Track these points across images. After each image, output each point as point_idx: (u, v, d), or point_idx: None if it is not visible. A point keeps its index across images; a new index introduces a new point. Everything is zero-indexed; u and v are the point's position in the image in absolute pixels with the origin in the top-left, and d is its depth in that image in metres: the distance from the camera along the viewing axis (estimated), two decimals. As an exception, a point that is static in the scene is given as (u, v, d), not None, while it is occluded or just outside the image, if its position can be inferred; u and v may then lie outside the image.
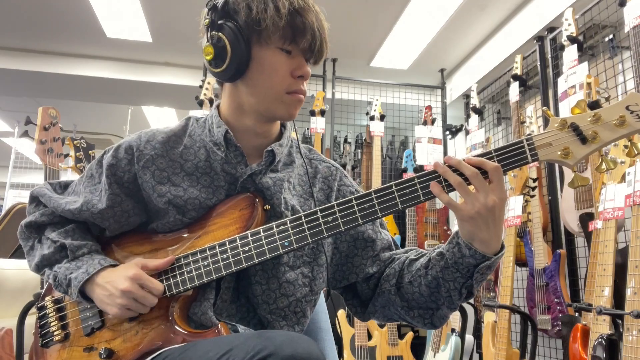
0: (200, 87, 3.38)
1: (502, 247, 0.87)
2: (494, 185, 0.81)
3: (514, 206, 2.41)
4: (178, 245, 0.95)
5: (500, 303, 2.27)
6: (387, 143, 4.18)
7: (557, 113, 2.38)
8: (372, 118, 3.56)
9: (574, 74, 2.24)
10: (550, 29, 2.76)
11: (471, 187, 0.83)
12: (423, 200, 0.85)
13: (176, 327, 0.89)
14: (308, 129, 3.59)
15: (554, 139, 0.83)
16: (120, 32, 3.70)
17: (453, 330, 2.67)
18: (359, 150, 3.95)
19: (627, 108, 0.81)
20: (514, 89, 2.85)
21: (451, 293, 0.90)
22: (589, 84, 2.01)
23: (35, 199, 1.04)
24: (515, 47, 3.22)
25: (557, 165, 2.61)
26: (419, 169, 3.47)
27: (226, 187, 0.96)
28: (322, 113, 3.44)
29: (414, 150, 3.60)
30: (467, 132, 3.32)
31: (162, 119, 5.63)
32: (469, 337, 2.90)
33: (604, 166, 0.89)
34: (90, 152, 2.42)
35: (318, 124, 3.42)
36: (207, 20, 0.92)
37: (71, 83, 4.23)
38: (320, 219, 0.87)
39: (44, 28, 3.65)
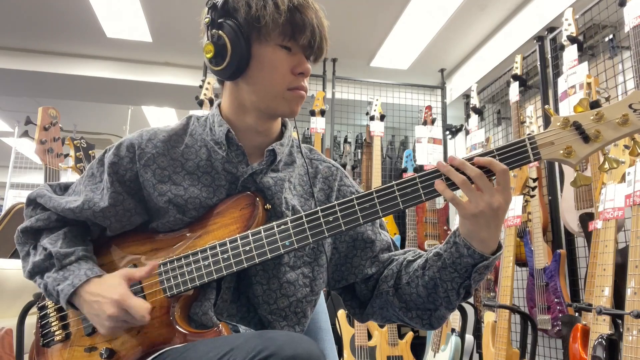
0: (200, 87, 3.38)
1: (500, 246, 0.87)
2: (501, 187, 0.81)
3: (514, 206, 2.41)
4: (178, 245, 0.94)
5: (500, 303, 2.27)
6: (387, 143, 4.18)
7: (557, 113, 2.38)
8: (372, 118, 3.56)
9: (574, 74, 2.24)
10: (550, 29, 2.76)
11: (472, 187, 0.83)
12: (424, 200, 0.85)
13: (177, 327, 0.88)
14: (308, 128, 3.59)
15: (556, 138, 0.82)
16: (120, 32, 3.70)
17: (453, 330, 2.67)
18: (359, 150, 3.95)
19: (630, 106, 0.80)
20: (514, 89, 2.85)
21: (449, 293, 0.90)
22: (589, 84, 2.01)
23: (32, 202, 1.03)
24: (515, 47, 3.22)
25: (557, 165, 2.61)
26: (419, 169, 3.47)
27: (227, 186, 0.96)
28: (322, 113, 3.44)
29: (414, 150, 3.60)
30: (467, 132, 3.32)
31: (162, 119, 5.63)
32: (469, 337, 2.90)
33: (606, 165, 0.89)
34: (90, 152, 2.42)
35: (318, 124, 3.42)
36: (207, 19, 0.92)
37: (71, 83, 4.23)
38: (321, 218, 0.87)
39: (44, 28, 3.65)
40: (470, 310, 2.90)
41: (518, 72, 2.85)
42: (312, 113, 3.44)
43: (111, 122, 5.59)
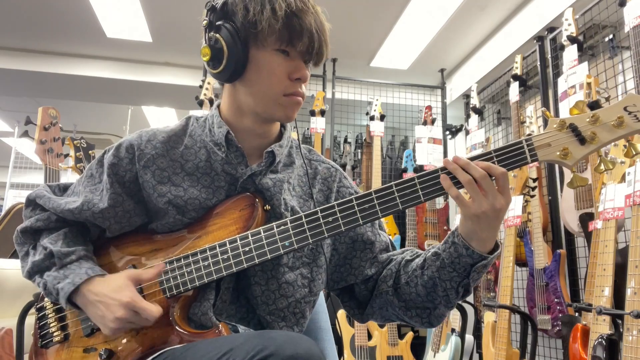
0: (200, 87, 3.38)
1: (497, 246, 0.88)
2: (502, 189, 0.82)
3: (514, 206, 2.41)
4: (178, 246, 0.94)
5: (500, 303, 2.27)
6: (387, 143, 4.18)
7: (557, 113, 2.38)
8: (372, 118, 3.56)
9: (574, 74, 2.24)
10: (550, 29, 2.76)
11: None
12: (423, 201, 0.85)
13: (176, 327, 0.89)
14: (308, 129, 3.59)
15: (553, 140, 0.84)
16: (120, 32, 3.70)
17: (453, 330, 2.67)
18: (359, 150, 3.95)
19: (625, 109, 0.82)
20: (514, 89, 2.85)
21: (448, 292, 0.90)
22: (589, 84, 2.01)
23: (31, 203, 1.02)
24: (515, 47, 3.22)
25: (557, 165, 2.61)
26: (419, 169, 3.47)
27: (226, 187, 0.96)
28: (322, 113, 3.44)
29: (414, 150, 3.60)
30: (467, 132, 3.32)
31: (162, 119, 5.63)
32: (469, 337, 2.90)
33: (602, 167, 0.90)
34: (90, 152, 2.42)
35: (318, 124, 3.42)
36: (205, 22, 0.92)
37: (71, 83, 4.23)
38: (321, 219, 0.87)
39: (44, 28, 3.65)
40: (470, 310, 2.90)
41: (518, 72, 2.85)
42: (312, 113, 3.44)
43: (111, 122, 5.59)
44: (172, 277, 0.91)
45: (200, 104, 3.24)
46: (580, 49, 2.30)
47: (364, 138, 3.95)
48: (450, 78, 4.19)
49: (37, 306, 1.03)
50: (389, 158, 4.06)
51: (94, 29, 3.63)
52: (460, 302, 2.33)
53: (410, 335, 3.00)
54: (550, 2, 2.90)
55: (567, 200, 2.32)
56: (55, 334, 0.98)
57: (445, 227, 3.45)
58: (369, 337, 2.92)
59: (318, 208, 0.88)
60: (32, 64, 4.02)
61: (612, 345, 1.55)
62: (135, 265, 0.96)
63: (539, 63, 2.81)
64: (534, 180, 2.45)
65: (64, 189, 1.05)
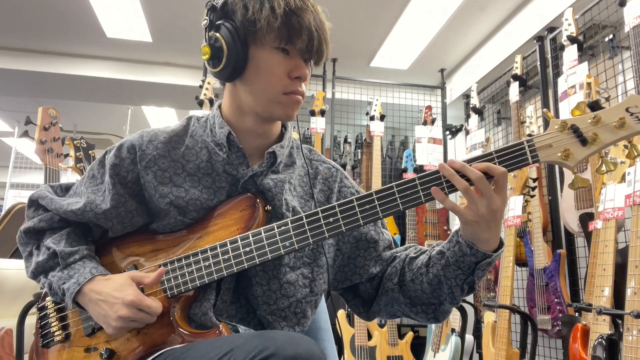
0: (200, 87, 3.38)
1: (501, 244, 0.88)
2: (499, 189, 0.83)
3: (514, 206, 2.41)
4: (179, 246, 0.94)
5: (500, 303, 2.27)
6: (387, 143, 4.18)
7: (557, 113, 2.38)
8: (372, 118, 3.56)
9: (574, 74, 2.24)
10: (550, 29, 2.76)
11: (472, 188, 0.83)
12: (424, 202, 0.85)
13: (177, 327, 0.89)
14: (308, 129, 3.59)
15: (554, 141, 0.84)
16: (120, 32, 3.70)
17: (453, 330, 2.67)
18: (359, 150, 3.96)
19: (627, 110, 0.82)
20: (514, 89, 2.85)
21: (453, 289, 0.91)
22: (589, 84, 2.01)
23: (34, 203, 1.03)
24: (515, 47, 3.22)
25: (557, 166, 2.61)
26: (419, 169, 3.47)
27: (227, 188, 0.96)
28: (322, 113, 3.44)
29: (414, 150, 3.60)
30: (467, 132, 3.32)
31: (162, 119, 5.63)
32: (469, 337, 2.90)
33: (603, 168, 0.90)
34: (90, 152, 2.42)
35: (318, 124, 3.42)
36: (205, 21, 0.92)
37: (71, 83, 4.23)
38: (322, 219, 0.87)
39: (44, 28, 3.65)
40: (470, 310, 2.90)
41: (518, 72, 2.85)
42: (312, 113, 3.44)
43: (111, 122, 5.59)
44: (172, 277, 0.91)
45: (200, 104, 3.24)
46: (580, 49, 2.30)
47: (364, 138, 3.95)
48: (450, 78, 4.19)
49: (39, 306, 1.03)
50: (389, 158, 4.06)
51: (94, 29, 3.63)
52: (460, 303, 2.32)
53: (410, 335, 3.00)
54: (550, 2, 2.90)
55: (567, 200, 2.33)
56: (56, 333, 0.98)
57: (445, 227, 3.45)
58: (369, 337, 2.93)
59: (319, 209, 0.88)
60: (32, 64, 4.01)
61: (612, 345, 1.55)
62: (136, 265, 0.96)
63: (539, 63, 2.81)
64: (534, 180, 2.45)
65: (66, 190, 1.05)
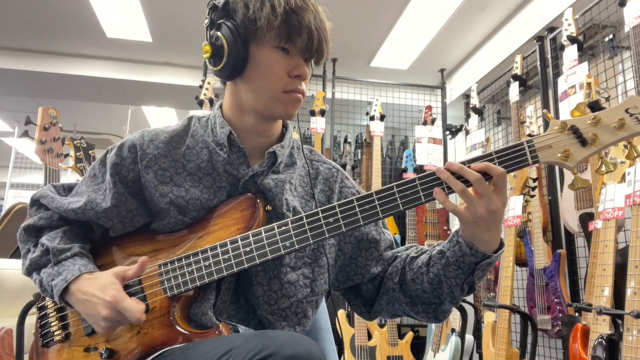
0: (200, 87, 3.38)
1: (502, 244, 0.89)
2: (498, 189, 0.83)
3: (514, 206, 2.41)
4: (179, 246, 0.94)
5: (500, 303, 2.27)
6: (387, 143, 4.18)
7: (557, 113, 2.38)
8: (372, 118, 3.56)
9: (574, 74, 2.24)
10: (550, 29, 2.76)
11: (470, 190, 0.84)
12: (424, 202, 0.85)
13: (177, 327, 0.89)
14: (308, 129, 3.59)
15: (554, 142, 0.84)
16: (120, 32, 3.70)
17: (453, 330, 2.67)
18: (359, 150, 3.96)
19: (626, 111, 0.82)
20: (514, 89, 2.85)
21: (453, 289, 0.91)
22: (589, 84, 2.01)
23: (36, 203, 1.03)
24: (515, 47, 3.22)
25: (557, 166, 2.61)
26: (419, 169, 3.47)
27: (228, 188, 0.96)
28: (322, 113, 3.44)
29: (414, 150, 3.60)
30: (467, 132, 3.32)
31: (162, 119, 5.63)
32: (469, 337, 2.90)
33: (603, 168, 0.90)
34: (90, 152, 2.42)
35: (318, 124, 3.42)
36: (207, 20, 0.93)
37: (71, 83, 4.23)
38: (322, 219, 0.87)
39: (44, 28, 3.65)
40: (470, 310, 2.90)
41: (518, 72, 2.85)
42: (312, 113, 3.44)
43: (111, 122, 5.59)
44: (172, 277, 0.91)
45: (200, 104, 3.24)
46: (580, 49, 2.30)
47: (364, 138, 3.95)
48: (450, 78, 4.19)
49: (39, 305, 1.03)
50: (389, 158, 4.06)
51: (94, 29, 3.63)
52: (460, 302, 2.32)
53: (410, 335, 3.00)
54: (550, 2, 2.90)
55: (567, 200, 2.33)
56: (56, 333, 0.98)
57: (445, 227, 3.45)
58: (369, 337, 2.92)
59: (319, 209, 0.88)
60: (32, 64, 4.01)
61: (612, 345, 1.55)
62: (136, 265, 0.96)
63: (539, 63, 2.81)
64: (534, 180, 2.45)
65: (68, 189, 1.05)
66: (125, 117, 5.16)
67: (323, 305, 1.18)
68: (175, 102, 4.72)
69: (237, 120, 0.97)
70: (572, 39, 2.31)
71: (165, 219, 0.95)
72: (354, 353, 2.84)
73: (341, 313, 2.87)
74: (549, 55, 2.71)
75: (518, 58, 2.90)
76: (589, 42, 2.55)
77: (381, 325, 2.94)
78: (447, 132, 3.91)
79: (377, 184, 3.35)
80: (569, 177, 2.38)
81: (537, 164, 0.86)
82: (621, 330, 1.54)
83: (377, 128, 3.52)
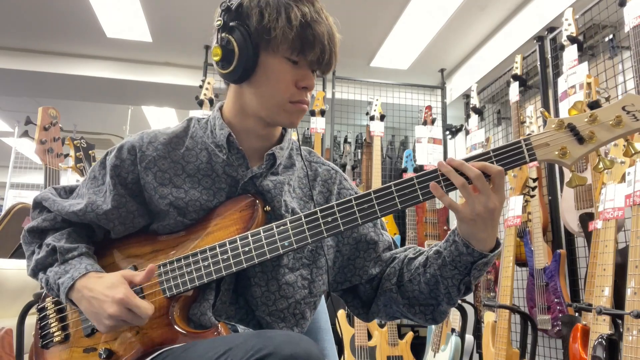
0: (200, 87, 3.38)
1: (498, 244, 0.88)
2: (496, 188, 0.83)
3: (514, 206, 2.41)
4: (178, 247, 0.95)
5: (500, 303, 2.27)
6: (387, 143, 4.18)
7: (557, 113, 2.38)
8: (372, 118, 3.56)
9: (574, 74, 2.24)
10: (550, 29, 2.76)
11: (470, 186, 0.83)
12: (422, 200, 0.85)
13: (176, 327, 0.89)
14: (308, 129, 3.59)
15: (551, 139, 0.84)
16: (120, 32, 3.70)
17: (453, 330, 2.67)
18: (359, 150, 3.96)
19: (623, 108, 0.82)
20: (514, 89, 2.85)
21: (450, 289, 0.91)
22: (589, 84, 2.01)
23: (38, 205, 1.03)
24: (515, 47, 3.22)
25: (557, 165, 2.61)
26: (419, 169, 3.47)
27: (227, 189, 0.96)
28: (322, 113, 3.44)
29: (414, 150, 3.60)
30: (467, 132, 3.32)
31: (162, 119, 5.63)
32: (469, 337, 2.90)
33: (601, 165, 0.91)
34: (90, 152, 2.42)
35: (318, 124, 3.42)
36: (219, 21, 0.91)
37: (71, 83, 4.23)
38: (320, 219, 0.87)
39: (44, 28, 3.65)
40: (470, 310, 2.90)
41: (518, 72, 2.85)
42: (312, 113, 3.44)
43: (111, 122, 5.59)
44: (172, 277, 0.91)
45: (200, 104, 3.24)
46: (580, 49, 2.30)
47: (364, 138, 3.95)
48: (450, 78, 4.19)
49: (39, 306, 1.03)
50: (389, 158, 4.06)
51: (94, 29, 3.63)
52: (460, 302, 2.32)
53: (410, 335, 3.00)
54: (550, 2, 2.90)
55: (567, 200, 2.32)
56: (56, 334, 0.99)
57: (445, 227, 3.45)
58: (369, 337, 2.92)
59: (317, 208, 0.88)
60: (32, 64, 4.02)
61: (612, 345, 1.55)
62: (136, 266, 0.96)
63: (539, 63, 2.81)
64: (534, 180, 2.45)
65: (69, 192, 1.06)
66: (125, 117, 5.16)
67: (323, 305, 1.18)
68: (175, 102, 4.72)
69: (238, 122, 0.97)
70: (572, 39, 2.31)
71: (165, 220, 0.95)
72: (354, 353, 2.84)
73: (341, 313, 2.87)
74: (549, 55, 2.71)
75: (518, 58, 2.90)
76: (589, 42, 2.55)
77: (381, 326, 2.94)
78: (447, 132, 3.91)
79: (377, 184, 3.35)
80: (568, 176, 2.38)
81: (536, 163, 0.86)
82: (621, 330, 1.53)
83: (377, 128, 3.52)
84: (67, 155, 2.37)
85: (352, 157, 3.87)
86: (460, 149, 4.10)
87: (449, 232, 0.93)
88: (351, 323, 2.92)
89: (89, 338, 0.95)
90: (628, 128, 0.82)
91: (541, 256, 2.44)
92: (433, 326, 2.87)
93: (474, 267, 0.88)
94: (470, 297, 3.11)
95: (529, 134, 0.86)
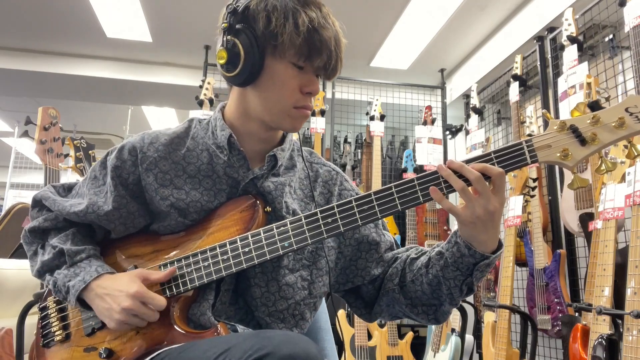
0: (200, 87, 3.38)
1: (500, 245, 0.88)
2: (496, 189, 0.82)
3: (514, 206, 2.41)
4: (179, 247, 0.95)
5: (500, 303, 2.27)
6: (387, 143, 4.18)
7: (557, 113, 2.38)
8: (372, 118, 3.56)
9: (574, 74, 2.24)
10: (550, 29, 2.76)
11: (469, 189, 0.83)
12: (423, 202, 0.85)
13: (176, 327, 0.89)
14: (308, 129, 3.59)
15: (553, 141, 0.83)
16: (120, 32, 3.70)
17: (453, 330, 2.67)
18: (359, 150, 3.95)
19: (626, 110, 0.81)
20: (514, 89, 2.85)
21: (452, 290, 0.91)
22: (589, 84, 2.01)
23: (38, 203, 1.03)
24: (515, 47, 3.22)
25: (557, 166, 2.61)
26: (419, 169, 3.47)
27: (228, 190, 0.96)
28: (322, 113, 3.44)
29: (414, 150, 3.60)
30: (467, 132, 3.32)
31: (162, 119, 5.63)
32: (469, 337, 2.90)
33: (603, 167, 0.90)
34: (90, 152, 2.42)
35: (318, 124, 3.42)
36: (225, 24, 0.90)
37: (71, 83, 4.23)
38: (320, 220, 0.87)
39: (44, 28, 3.65)
40: (470, 310, 2.90)
41: (518, 72, 2.85)
42: (312, 113, 3.44)
43: (111, 122, 5.59)
44: (172, 278, 0.92)
45: (200, 104, 3.24)
46: (580, 49, 2.30)
47: (364, 138, 3.95)
48: (450, 78, 4.19)
49: (40, 306, 1.04)
50: (389, 158, 4.05)
51: (94, 29, 3.63)
52: (459, 304, 2.32)
53: (410, 335, 3.00)
54: (550, 2, 2.90)
55: (567, 200, 2.32)
56: (57, 333, 0.99)
57: (445, 227, 3.45)
58: (369, 337, 2.92)
59: (317, 209, 0.88)
60: (32, 64, 4.02)
61: (612, 345, 1.55)
62: (136, 266, 0.96)
63: (539, 63, 2.81)
64: (534, 180, 2.45)
65: (68, 190, 1.06)
66: (125, 117, 5.16)
67: (323, 305, 1.18)
68: (175, 102, 4.72)
69: (240, 124, 0.97)
70: (572, 39, 2.31)
71: (166, 220, 0.95)
72: (354, 353, 2.84)
73: (341, 313, 2.87)
74: (549, 55, 2.71)
75: (518, 58, 2.90)
76: (589, 42, 2.55)
77: (381, 326, 2.94)
78: (447, 132, 3.91)
79: (377, 184, 3.35)
80: (569, 176, 2.38)
81: (537, 164, 0.86)
82: (621, 330, 1.53)
83: (377, 128, 3.52)
84: (67, 155, 2.37)
85: (352, 157, 3.87)
86: (460, 149, 4.10)
87: (450, 232, 0.93)
88: (351, 323, 2.92)
89: (90, 337, 0.95)
90: (631, 130, 0.81)
91: (541, 256, 2.44)
92: (433, 326, 2.87)
93: (476, 268, 0.88)
94: (470, 297, 3.11)
95: (529, 134, 0.86)
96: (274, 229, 0.89)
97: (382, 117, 3.55)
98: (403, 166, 3.56)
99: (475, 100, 3.27)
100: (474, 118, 3.25)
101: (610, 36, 2.25)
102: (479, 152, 3.07)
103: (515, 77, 2.85)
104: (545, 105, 2.73)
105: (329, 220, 0.87)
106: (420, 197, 0.85)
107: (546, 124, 2.64)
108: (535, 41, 2.87)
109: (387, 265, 1.03)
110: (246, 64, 0.88)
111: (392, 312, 1.03)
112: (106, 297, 0.88)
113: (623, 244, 1.98)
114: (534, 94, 3.02)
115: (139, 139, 0.98)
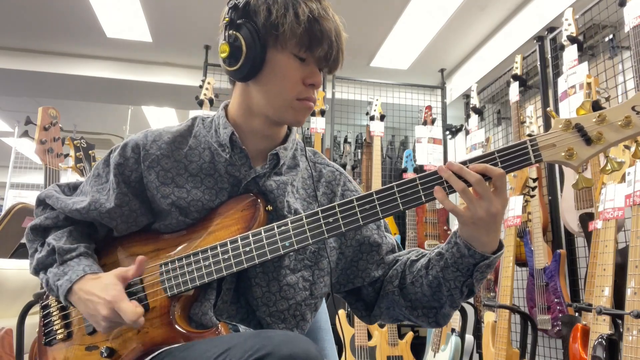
0: (200, 87, 3.38)
1: (501, 246, 0.88)
2: (497, 191, 0.82)
3: (514, 206, 2.41)
4: (181, 246, 0.95)
5: (500, 303, 2.27)
6: (387, 143, 4.18)
7: (557, 113, 2.38)
8: (372, 118, 3.56)
9: (574, 74, 2.24)
10: (550, 29, 2.76)
11: (471, 189, 0.83)
12: (424, 202, 0.84)
13: (177, 326, 0.89)
14: (308, 129, 3.59)
15: (558, 140, 0.82)
16: (120, 32, 3.70)
17: (453, 330, 2.67)
18: (359, 150, 3.95)
19: (632, 108, 0.79)
20: (514, 89, 2.85)
21: (452, 292, 0.91)
22: (589, 84, 2.01)
23: (42, 202, 1.03)
24: (515, 47, 3.22)
25: (557, 165, 2.61)
26: (419, 169, 3.47)
27: (229, 189, 0.96)
28: (322, 113, 3.44)
29: (414, 150, 3.60)
30: (467, 132, 3.32)
31: (162, 119, 5.63)
32: (469, 337, 2.90)
33: (609, 167, 0.88)
34: (90, 152, 2.42)
35: (318, 124, 3.42)
36: (226, 19, 0.91)
37: (71, 83, 4.23)
38: (322, 219, 0.87)
39: (44, 28, 3.65)
40: (470, 310, 2.90)
41: (518, 72, 2.85)
42: (312, 113, 3.44)
43: (111, 122, 5.59)
44: (173, 277, 0.91)
45: (200, 104, 3.24)
46: (580, 49, 2.30)
47: (364, 138, 3.95)
48: (450, 78, 4.19)
49: (42, 304, 1.04)
50: (389, 158, 4.06)
51: (94, 29, 3.63)
52: (460, 306, 2.32)
53: (410, 335, 3.00)
54: (550, 2, 2.90)
55: (567, 200, 2.33)
56: (59, 332, 0.99)
57: (445, 227, 3.45)
58: (369, 337, 2.92)
59: (319, 209, 0.88)
60: (32, 64, 4.02)
61: (612, 345, 1.55)
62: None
63: (539, 63, 2.81)
64: (534, 180, 2.45)
65: (73, 188, 1.06)
66: (125, 117, 5.16)
67: (323, 305, 1.17)
68: (175, 102, 4.72)
69: (243, 122, 0.97)
70: (572, 39, 2.31)
71: (167, 219, 0.95)
72: (354, 353, 2.84)
73: (341, 313, 2.87)
74: (549, 55, 2.71)
75: (518, 58, 2.90)
76: (589, 42, 2.55)
77: (381, 326, 2.94)
78: (447, 132, 3.92)
79: (377, 184, 3.35)
80: (569, 177, 2.38)
81: (540, 164, 0.85)
82: (621, 330, 1.54)
83: (377, 128, 3.52)
84: (67, 155, 2.37)
85: (352, 157, 3.87)
86: (460, 149, 4.10)
87: (450, 233, 0.92)
88: (351, 323, 2.92)
89: (91, 336, 0.95)
90: (638, 129, 0.79)
91: (541, 256, 2.44)
92: (433, 326, 2.86)
93: (476, 268, 0.87)
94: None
95: (529, 134, 0.86)
96: (275, 228, 0.89)
97: (382, 117, 3.55)
98: (403, 166, 3.56)
99: (475, 100, 3.27)
100: (474, 118, 3.25)
101: (610, 36, 2.25)
102: (479, 152, 3.07)
103: (515, 77, 2.85)
104: (545, 106, 2.74)
105: (330, 219, 0.87)
106: (423, 197, 0.84)
107: (547, 123, 2.64)
108: (535, 41, 2.87)
109: (387, 268, 1.02)
110: (248, 57, 0.88)
111: (392, 315, 1.03)
112: (88, 302, 0.86)
113: (623, 244, 1.98)
114: (534, 94, 3.02)
115: (142, 136, 0.98)
